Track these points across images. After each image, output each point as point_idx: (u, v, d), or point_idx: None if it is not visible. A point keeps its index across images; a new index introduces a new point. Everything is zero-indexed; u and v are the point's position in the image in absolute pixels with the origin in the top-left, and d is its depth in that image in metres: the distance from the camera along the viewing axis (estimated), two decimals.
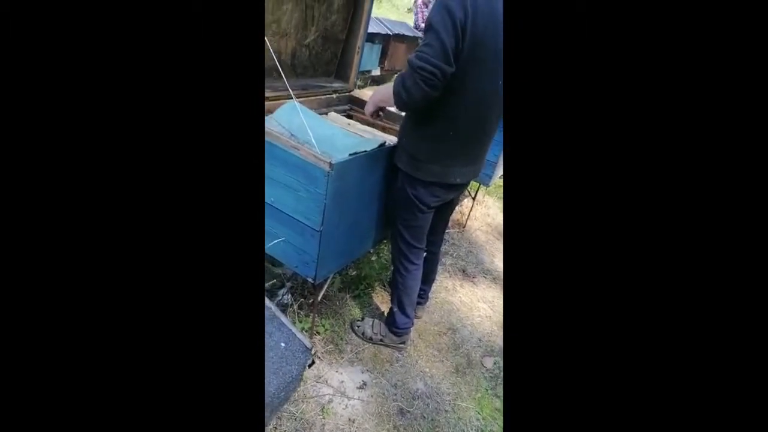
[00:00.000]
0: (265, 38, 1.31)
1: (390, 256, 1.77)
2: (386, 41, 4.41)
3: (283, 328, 1.04)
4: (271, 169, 1.28)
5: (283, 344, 1.01)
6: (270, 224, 1.39)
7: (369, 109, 1.36)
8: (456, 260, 2.25)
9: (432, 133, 1.17)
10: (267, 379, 0.93)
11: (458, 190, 1.37)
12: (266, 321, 1.04)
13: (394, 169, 1.32)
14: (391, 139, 1.51)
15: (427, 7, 3.48)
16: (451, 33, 0.96)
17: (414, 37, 4.79)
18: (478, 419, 1.44)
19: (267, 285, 1.57)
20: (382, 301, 1.83)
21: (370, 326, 1.61)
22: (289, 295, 1.65)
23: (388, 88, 1.17)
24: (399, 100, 1.07)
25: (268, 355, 0.98)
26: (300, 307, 1.60)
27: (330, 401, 1.35)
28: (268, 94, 1.48)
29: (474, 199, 2.51)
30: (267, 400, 0.92)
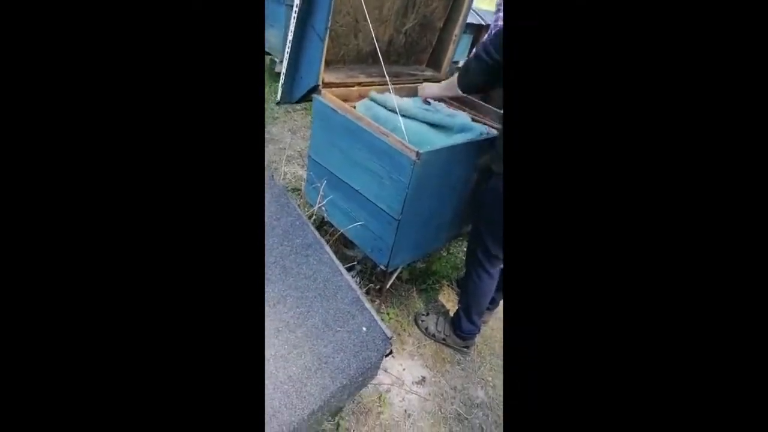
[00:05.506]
0: (368, 23, 1.31)
1: (464, 257, 1.70)
2: (478, 32, 4.22)
3: (365, 312, 1.04)
4: (358, 154, 1.29)
5: (364, 329, 1.00)
6: (351, 207, 1.41)
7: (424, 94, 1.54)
8: None
9: None
10: (347, 362, 0.94)
11: None
12: (349, 303, 1.05)
13: (485, 169, 1.25)
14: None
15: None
16: None
17: None
18: None
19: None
20: (448, 299, 1.78)
21: (434, 323, 1.57)
22: (358, 279, 1.68)
23: (449, 81, 1.38)
24: (459, 80, 1.28)
25: (350, 337, 0.99)
26: (367, 292, 1.61)
27: (388, 391, 1.34)
28: (362, 79, 1.50)
29: None
30: (346, 382, 0.92)
